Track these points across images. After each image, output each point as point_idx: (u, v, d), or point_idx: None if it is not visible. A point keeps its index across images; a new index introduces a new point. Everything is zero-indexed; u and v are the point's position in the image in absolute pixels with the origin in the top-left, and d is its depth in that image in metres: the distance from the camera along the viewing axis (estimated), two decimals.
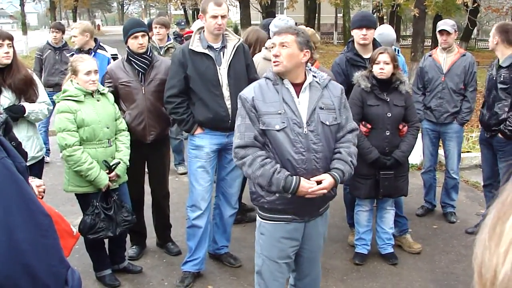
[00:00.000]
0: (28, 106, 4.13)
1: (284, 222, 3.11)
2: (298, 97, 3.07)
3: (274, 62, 3.04)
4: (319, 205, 3.17)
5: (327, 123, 3.07)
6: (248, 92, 3.10)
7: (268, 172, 2.94)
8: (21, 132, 4.13)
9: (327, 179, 3.02)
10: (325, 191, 3.03)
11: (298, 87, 3.09)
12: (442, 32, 5.40)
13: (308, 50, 3.08)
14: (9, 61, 4.08)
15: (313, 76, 3.15)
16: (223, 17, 4.09)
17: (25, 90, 4.16)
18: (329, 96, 3.13)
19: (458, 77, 5.40)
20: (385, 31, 5.40)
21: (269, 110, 3.00)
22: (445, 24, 5.42)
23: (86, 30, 6.09)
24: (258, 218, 3.21)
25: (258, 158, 2.98)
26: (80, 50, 5.90)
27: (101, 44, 6.22)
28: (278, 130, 2.98)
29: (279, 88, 3.05)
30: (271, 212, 3.10)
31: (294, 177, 2.96)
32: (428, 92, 5.55)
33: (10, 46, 4.09)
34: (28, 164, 4.01)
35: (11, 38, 4.14)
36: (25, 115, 4.11)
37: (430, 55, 5.63)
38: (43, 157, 4.48)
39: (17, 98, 4.12)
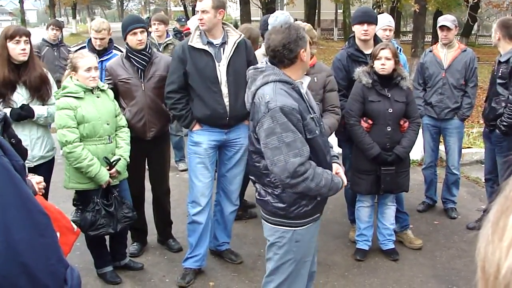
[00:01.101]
0: (37, 110, 4.09)
1: (312, 223, 3.10)
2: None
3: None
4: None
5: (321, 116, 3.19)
6: (289, 101, 2.82)
7: (327, 180, 2.91)
8: (31, 131, 4.12)
9: (340, 168, 3.17)
10: None
11: None
12: (443, 28, 5.38)
13: None
14: (25, 58, 4.04)
15: None
16: (203, 12, 4.04)
17: (39, 88, 4.13)
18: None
19: (458, 73, 5.38)
20: (380, 15, 5.42)
21: (307, 116, 2.90)
22: (445, 19, 5.40)
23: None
24: (287, 229, 3.04)
25: (317, 169, 2.88)
26: (93, 50, 5.26)
27: (115, 45, 5.67)
28: (318, 135, 2.94)
29: (302, 92, 2.97)
30: (308, 216, 3.05)
31: (338, 177, 3.05)
32: (429, 88, 5.54)
33: (27, 43, 4.05)
34: (36, 164, 4.04)
35: (28, 35, 4.10)
36: (34, 119, 4.09)
37: (430, 51, 5.61)
38: (53, 157, 4.42)
39: (30, 95, 4.10)
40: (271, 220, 3.08)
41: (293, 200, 2.97)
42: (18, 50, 4.00)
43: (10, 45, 3.99)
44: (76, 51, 5.26)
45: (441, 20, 5.42)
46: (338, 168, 3.15)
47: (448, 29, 5.34)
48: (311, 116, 2.91)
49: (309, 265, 3.23)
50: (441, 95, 5.44)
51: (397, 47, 5.33)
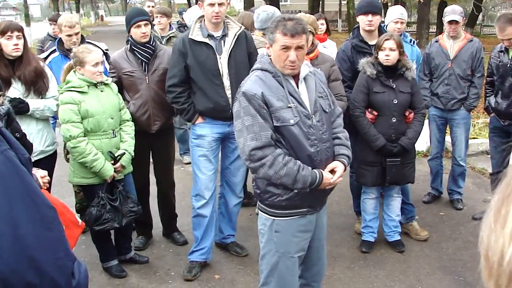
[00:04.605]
0: (32, 104, 4.06)
1: (298, 216, 3.06)
2: (298, 89, 3.01)
3: (292, 66, 2.91)
4: (328, 193, 3.18)
5: (327, 110, 3.07)
6: (254, 87, 2.91)
7: (292, 170, 2.86)
8: (30, 125, 4.10)
9: (339, 167, 3.03)
10: (341, 179, 3.06)
11: (295, 78, 3.02)
12: (451, 21, 5.31)
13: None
14: (19, 53, 4.03)
15: (306, 65, 3.09)
16: (220, 4, 4.02)
17: (35, 82, 4.10)
18: (319, 84, 3.12)
19: (465, 63, 5.33)
20: (392, 7, 5.41)
21: (280, 104, 2.90)
22: (454, 12, 5.30)
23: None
24: (268, 217, 3.09)
25: (279, 157, 2.87)
26: (65, 51, 4.82)
27: (88, 40, 5.17)
28: (292, 125, 2.90)
29: (282, 81, 2.95)
30: (287, 208, 3.02)
31: (317, 171, 2.93)
32: (435, 79, 5.48)
33: (20, 38, 4.03)
34: (36, 158, 4.02)
35: (20, 30, 4.08)
36: (29, 112, 4.06)
37: (436, 41, 5.55)
38: (55, 152, 4.40)
39: (26, 90, 4.07)
40: (259, 206, 3.17)
41: (264, 187, 3.02)
42: (10, 46, 3.98)
43: (3, 41, 3.98)
44: (45, 58, 4.86)
45: (450, 14, 5.31)
46: (336, 167, 3.02)
47: (457, 22, 5.29)
48: (289, 105, 2.90)
49: (296, 263, 3.16)
50: (448, 86, 5.39)
51: (410, 40, 5.31)
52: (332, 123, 3.16)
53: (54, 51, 4.94)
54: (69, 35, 4.77)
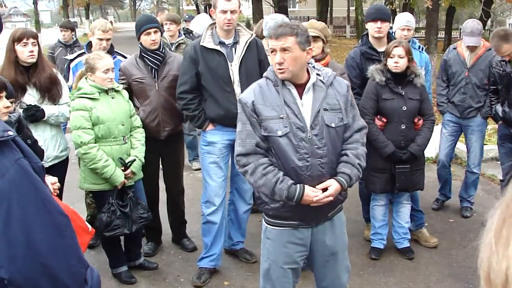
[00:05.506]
0: (48, 110, 4.11)
1: (290, 228, 3.00)
2: (301, 99, 2.91)
3: (279, 70, 2.85)
4: (327, 210, 3.01)
5: (333, 125, 2.90)
6: (248, 95, 2.93)
7: (270, 182, 2.82)
8: (44, 131, 4.15)
9: (332, 186, 2.88)
10: (331, 198, 2.88)
11: (300, 87, 2.91)
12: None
13: (310, 47, 2.93)
14: (34, 60, 4.07)
15: (317, 74, 2.97)
16: (232, 12, 4.04)
17: (50, 89, 4.15)
18: (334, 95, 2.94)
19: (482, 72, 5.26)
20: (399, 15, 5.41)
21: (270, 114, 2.85)
22: (472, 35, 5.17)
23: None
24: (264, 222, 3.10)
25: (260, 167, 2.85)
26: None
27: (116, 50, 5.12)
28: (280, 136, 2.84)
29: (280, 90, 2.88)
30: (277, 218, 2.99)
31: (298, 186, 2.83)
32: (452, 86, 5.44)
33: (35, 45, 4.07)
34: (50, 164, 4.07)
35: (35, 37, 4.12)
36: (44, 118, 4.11)
37: (455, 48, 5.46)
38: (68, 157, 4.44)
39: (41, 96, 4.12)
40: None
41: (258, 193, 3.04)
42: (26, 53, 4.02)
43: (18, 47, 4.02)
44: (74, 58, 5.03)
45: (468, 36, 5.20)
46: (329, 185, 2.87)
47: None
48: (281, 115, 2.84)
49: (291, 276, 3.08)
50: (464, 95, 5.34)
51: (419, 46, 5.27)
52: (348, 138, 3.01)
53: (82, 53, 4.98)
54: (100, 39, 4.82)
